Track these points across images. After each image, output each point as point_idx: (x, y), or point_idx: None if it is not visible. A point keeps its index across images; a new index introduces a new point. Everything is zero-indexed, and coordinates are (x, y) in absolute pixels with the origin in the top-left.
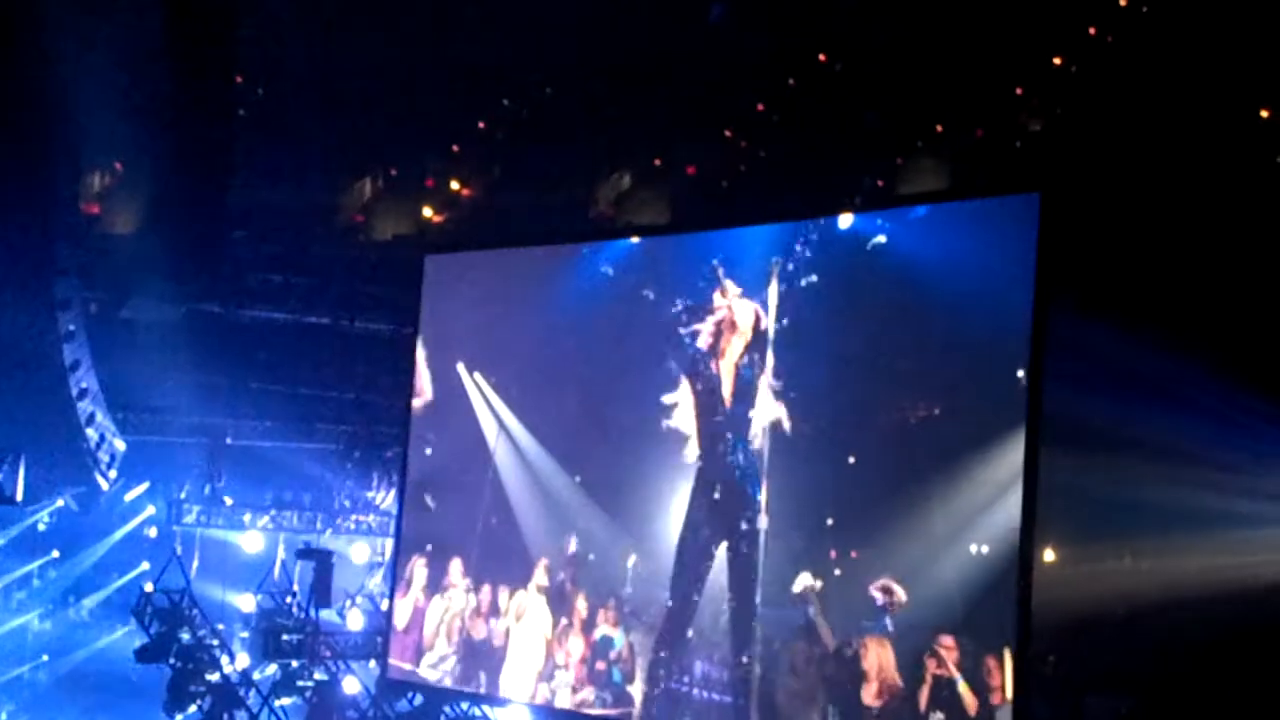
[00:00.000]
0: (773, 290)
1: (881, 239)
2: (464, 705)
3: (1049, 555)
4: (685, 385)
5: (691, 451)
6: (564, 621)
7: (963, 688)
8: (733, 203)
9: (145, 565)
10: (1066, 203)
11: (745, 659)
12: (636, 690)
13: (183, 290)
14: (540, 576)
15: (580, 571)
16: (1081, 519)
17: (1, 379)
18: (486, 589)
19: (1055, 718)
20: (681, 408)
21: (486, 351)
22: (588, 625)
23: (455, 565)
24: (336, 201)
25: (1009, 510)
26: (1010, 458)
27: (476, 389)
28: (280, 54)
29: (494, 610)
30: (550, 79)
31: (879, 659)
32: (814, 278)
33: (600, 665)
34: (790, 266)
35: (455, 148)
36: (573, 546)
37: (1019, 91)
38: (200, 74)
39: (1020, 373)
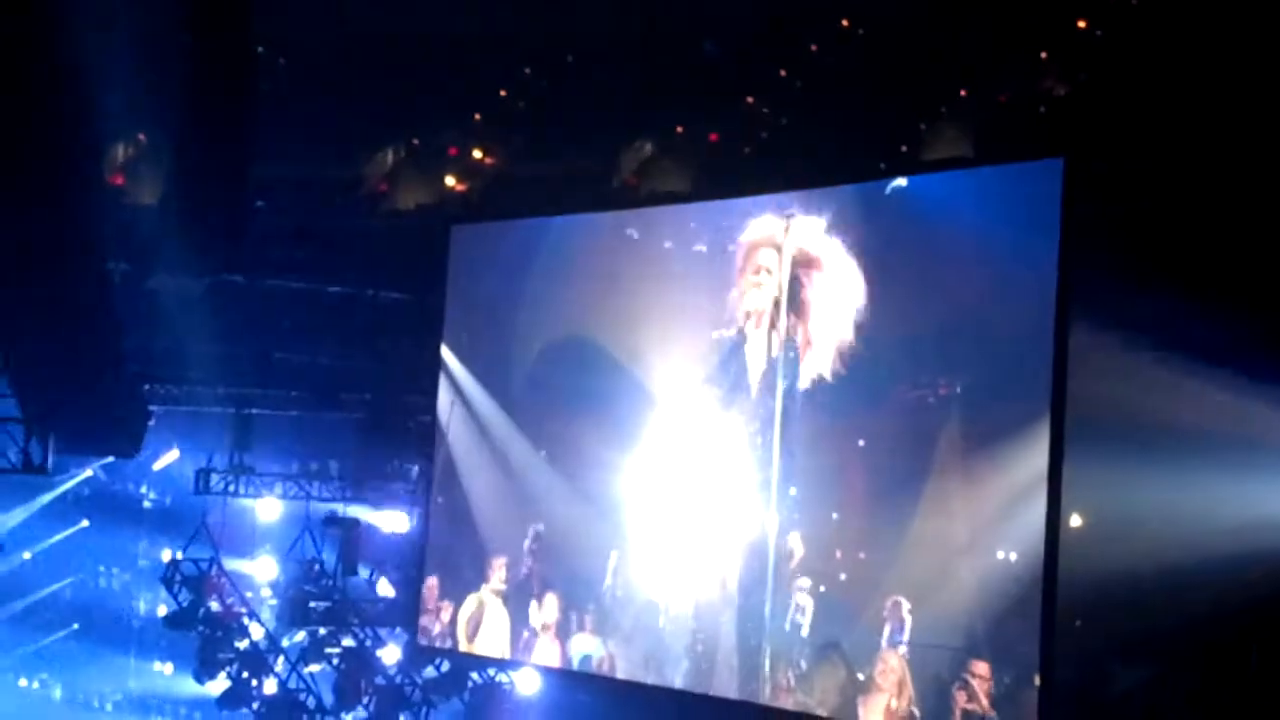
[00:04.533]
0: (788, 257)
1: (903, 205)
2: (491, 671)
3: (1075, 520)
4: (693, 353)
5: (691, 428)
6: (527, 631)
7: None
8: (755, 170)
9: (173, 534)
10: (1092, 169)
11: (747, 673)
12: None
13: (206, 261)
14: (497, 577)
15: (548, 569)
16: (1110, 483)
17: (30, 349)
18: (432, 583)
19: (1081, 685)
20: (684, 378)
21: (480, 321)
22: (561, 633)
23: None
24: (359, 171)
25: (1041, 506)
26: (1039, 441)
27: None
28: (302, 24)
29: (438, 612)
30: (572, 48)
31: (893, 679)
32: (832, 243)
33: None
34: (807, 233)
35: (477, 117)
36: (537, 538)
37: (1043, 56)
38: (222, 45)
39: (1050, 343)
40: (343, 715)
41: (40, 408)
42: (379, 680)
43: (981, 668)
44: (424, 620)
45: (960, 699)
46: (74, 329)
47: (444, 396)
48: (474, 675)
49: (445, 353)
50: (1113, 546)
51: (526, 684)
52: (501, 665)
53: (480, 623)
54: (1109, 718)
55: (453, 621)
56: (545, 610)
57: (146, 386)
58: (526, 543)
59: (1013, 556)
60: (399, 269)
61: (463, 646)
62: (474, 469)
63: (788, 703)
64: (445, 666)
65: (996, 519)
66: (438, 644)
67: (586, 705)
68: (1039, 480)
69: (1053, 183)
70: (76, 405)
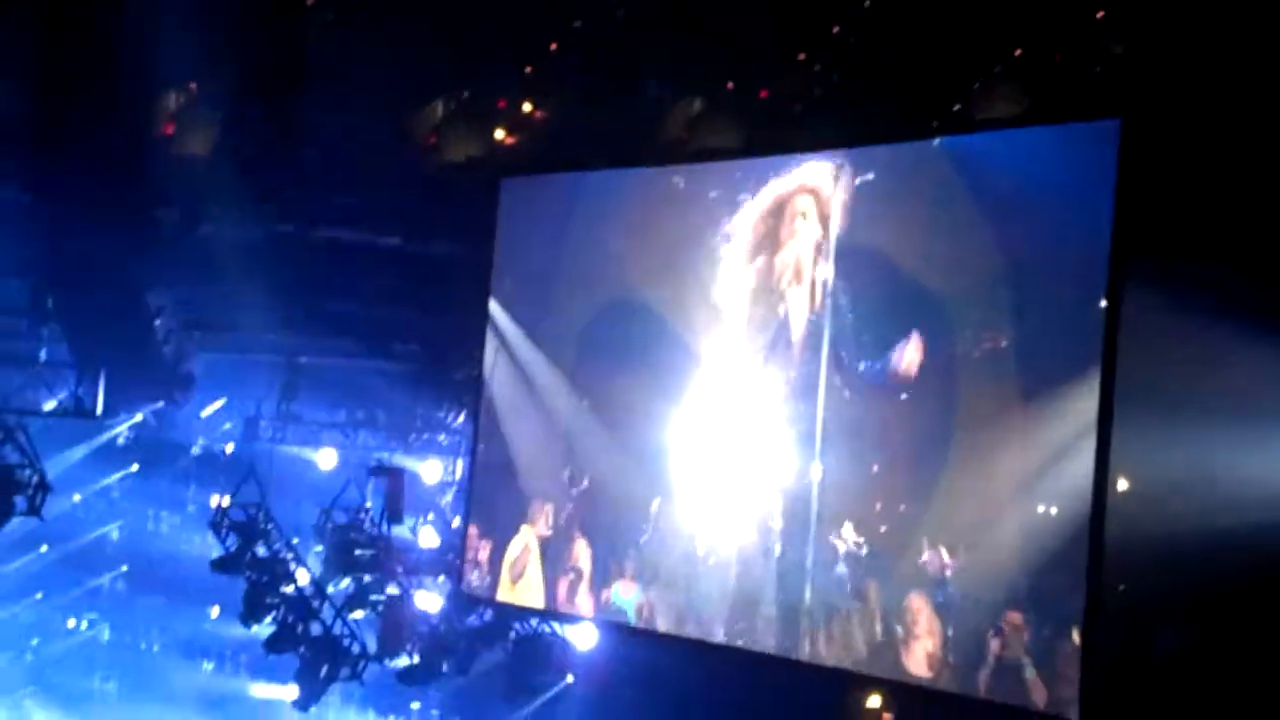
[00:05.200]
0: (837, 204)
1: (953, 162)
2: (533, 622)
3: (1122, 483)
4: (738, 302)
5: (734, 379)
6: (568, 577)
7: (1030, 674)
8: (805, 126)
9: (221, 481)
10: (1149, 129)
11: (786, 622)
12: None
13: (257, 210)
14: (539, 523)
15: (590, 516)
16: (1157, 447)
17: (81, 294)
18: (474, 531)
19: (1122, 647)
20: (728, 330)
21: (527, 273)
22: (600, 580)
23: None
24: (409, 123)
25: (1088, 465)
26: (1086, 399)
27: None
28: None
29: (480, 561)
30: (623, 1)
31: (931, 629)
32: (883, 197)
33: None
34: (859, 183)
35: (528, 70)
36: (578, 484)
37: (1099, 14)
38: None
39: (1102, 303)
40: (386, 662)
41: (91, 353)
42: (422, 628)
43: (1017, 618)
44: (467, 569)
45: (995, 647)
46: (124, 276)
47: (490, 346)
48: (516, 626)
49: (492, 304)
50: (1158, 510)
51: (568, 636)
52: (544, 617)
53: (525, 568)
54: (1149, 679)
55: (495, 568)
56: (585, 557)
57: (197, 334)
58: (569, 491)
59: (1053, 511)
60: (449, 221)
61: (504, 593)
62: (518, 418)
63: (826, 650)
64: (488, 616)
65: (1037, 474)
66: (480, 593)
67: (626, 658)
68: (1080, 437)
69: (1108, 144)
70: (127, 351)
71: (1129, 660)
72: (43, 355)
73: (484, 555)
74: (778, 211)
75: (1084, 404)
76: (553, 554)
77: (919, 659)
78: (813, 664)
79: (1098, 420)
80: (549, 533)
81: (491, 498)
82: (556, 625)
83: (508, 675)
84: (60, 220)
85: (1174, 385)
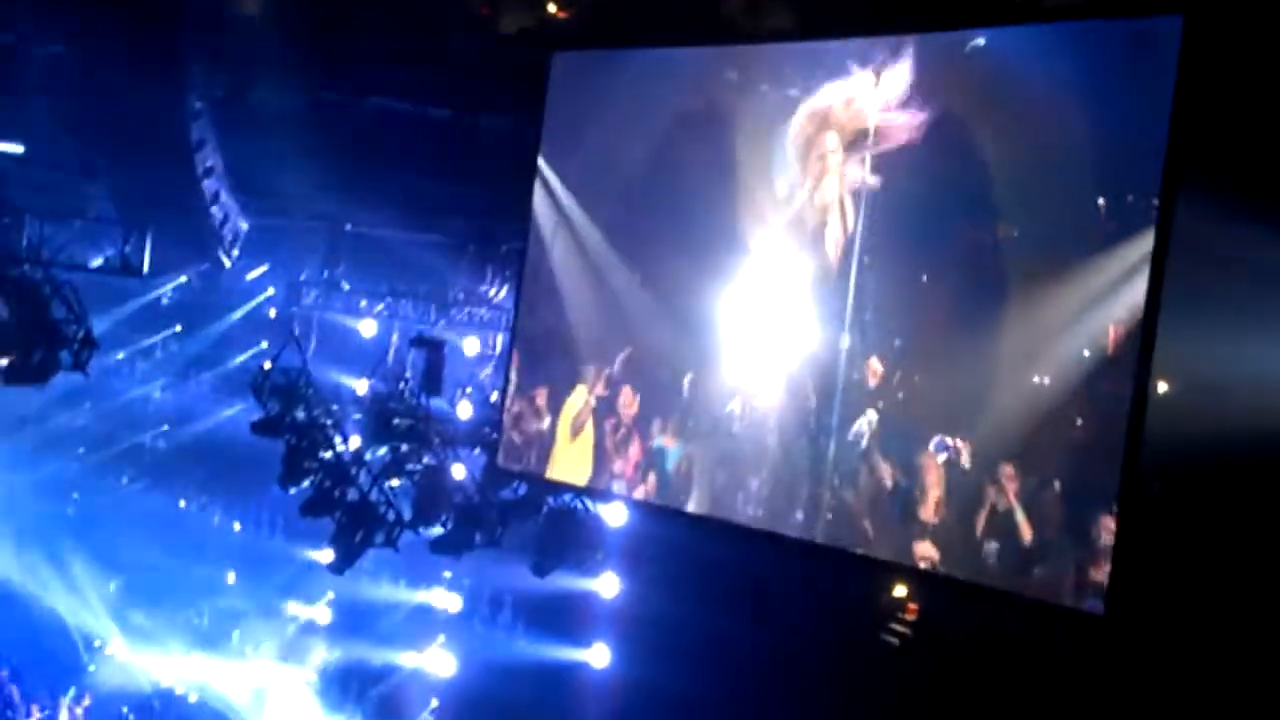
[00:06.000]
0: (881, 95)
1: (997, 56)
2: (566, 498)
3: (1162, 386)
4: (777, 187)
5: (776, 263)
6: (620, 430)
7: (1020, 517)
8: (864, 11)
9: (264, 344)
10: (1211, 29)
11: (815, 477)
12: (692, 502)
13: (307, 76)
14: (595, 382)
15: (637, 378)
16: (1199, 352)
17: (131, 154)
18: (539, 391)
19: (1156, 550)
20: (768, 211)
21: (579, 150)
22: (644, 434)
23: (515, 364)
24: None
25: (1075, 342)
26: (1085, 288)
27: (544, 182)
28: None
29: (541, 414)
30: None
31: (939, 479)
32: (929, 89)
33: (654, 476)
34: (908, 72)
35: None
36: (630, 351)
37: None
38: None
39: (1100, 199)
40: (420, 530)
41: (139, 211)
42: (457, 499)
43: (1010, 470)
44: (519, 430)
45: (991, 494)
46: (172, 138)
47: (549, 220)
48: (549, 500)
49: (548, 173)
50: (1198, 414)
51: (601, 513)
52: (578, 493)
53: (584, 423)
54: (1183, 584)
55: (552, 428)
56: (633, 414)
57: (243, 197)
58: (621, 355)
59: (1046, 381)
60: (498, 94)
61: (561, 447)
62: (576, 288)
63: (850, 498)
64: (522, 490)
65: (1035, 350)
66: (516, 466)
67: (659, 537)
68: (1074, 320)
69: (1167, 44)
70: (174, 211)
71: (1162, 564)
72: (91, 211)
73: (542, 411)
74: (822, 114)
75: (1080, 291)
76: (604, 410)
77: (929, 508)
78: (841, 548)
79: (1143, 321)
80: (604, 392)
81: (549, 361)
82: (589, 502)
83: (538, 548)
84: (106, 78)
85: (1218, 292)
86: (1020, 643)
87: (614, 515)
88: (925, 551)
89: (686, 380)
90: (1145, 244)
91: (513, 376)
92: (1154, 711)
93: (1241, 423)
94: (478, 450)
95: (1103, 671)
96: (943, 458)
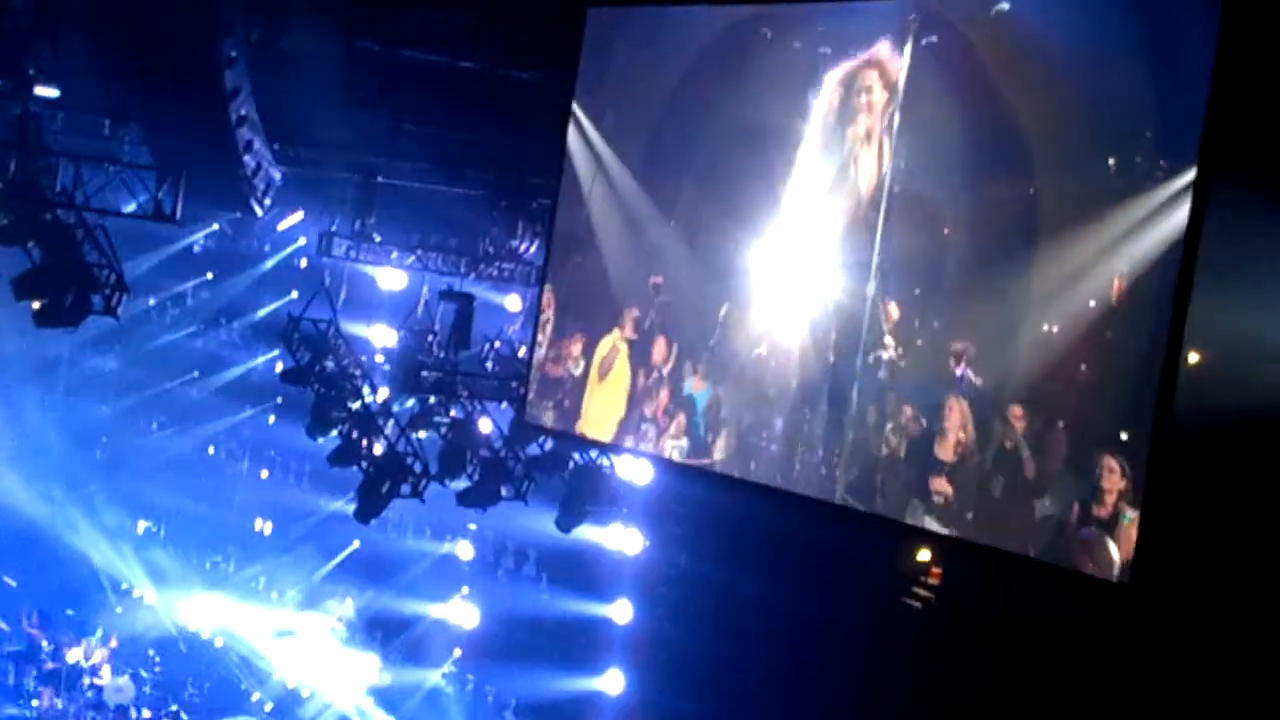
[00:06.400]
0: (909, 55)
1: (1027, 14)
2: (592, 454)
3: (1193, 357)
4: (806, 137)
5: (801, 205)
6: (653, 375)
7: (1025, 454)
8: None
9: (294, 294)
10: None
11: (835, 420)
12: (719, 445)
13: (342, 25)
14: (627, 325)
15: (668, 321)
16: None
17: (165, 101)
18: (573, 338)
19: (1181, 520)
20: (797, 165)
21: (613, 100)
22: (674, 378)
23: (548, 306)
24: None
25: (1083, 293)
26: (1095, 242)
27: (579, 130)
28: None
29: (575, 360)
30: None
31: (958, 419)
32: (946, 61)
33: (683, 418)
34: (924, 44)
35: None
36: (661, 294)
37: None
38: None
39: (1110, 159)
40: (446, 482)
41: (172, 157)
42: (483, 452)
43: (1019, 410)
44: (535, 385)
45: (1000, 432)
46: (205, 85)
47: (588, 169)
48: (575, 456)
49: (583, 120)
50: (1229, 385)
51: (626, 471)
52: (604, 449)
53: (613, 364)
54: (1206, 553)
55: (585, 372)
56: (664, 356)
57: (275, 146)
58: (653, 299)
59: (1055, 330)
60: (533, 47)
61: (591, 389)
62: (610, 234)
63: (872, 439)
64: (548, 445)
65: (1046, 300)
66: (547, 413)
67: (681, 494)
68: (1080, 275)
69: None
70: (207, 158)
71: (1186, 534)
72: (125, 157)
73: (576, 357)
74: (852, 73)
75: (1090, 245)
76: (637, 353)
77: (949, 448)
78: (854, 509)
79: (1176, 290)
80: (634, 336)
81: (581, 307)
82: (614, 459)
83: (563, 503)
84: (137, 24)
85: (1253, 263)
86: (1044, 611)
87: (639, 473)
88: (940, 487)
89: (716, 323)
90: (1149, 202)
91: (548, 321)
92: (1178, 680)
93: (1269, 394)
94: (505, 404)
95: (1126, 641)
96: (962, 401)
